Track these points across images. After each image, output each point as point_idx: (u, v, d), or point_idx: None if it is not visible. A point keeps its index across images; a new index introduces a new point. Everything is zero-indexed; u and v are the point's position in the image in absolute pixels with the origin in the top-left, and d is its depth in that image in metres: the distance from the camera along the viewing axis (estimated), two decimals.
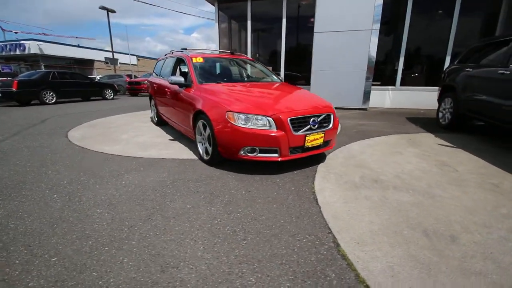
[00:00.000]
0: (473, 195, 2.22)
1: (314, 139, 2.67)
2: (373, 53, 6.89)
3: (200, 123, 3.02)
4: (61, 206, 2.05)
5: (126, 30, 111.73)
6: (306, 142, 2.62)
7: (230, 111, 2.58)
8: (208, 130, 2.84)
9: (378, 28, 6.72)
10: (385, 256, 1.46)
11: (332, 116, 2.86)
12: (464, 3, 6.76)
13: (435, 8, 7.26)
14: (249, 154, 2.57)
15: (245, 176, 2.64)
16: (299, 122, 2.59)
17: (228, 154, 2.69)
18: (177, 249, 1.54)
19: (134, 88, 14.54)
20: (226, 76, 3.88)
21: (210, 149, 2.87)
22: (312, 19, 7.62)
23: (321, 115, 2.74)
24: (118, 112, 7.33)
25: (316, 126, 2.68)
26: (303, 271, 1.36)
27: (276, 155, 2.56)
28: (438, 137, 4.23)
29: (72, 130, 4.89)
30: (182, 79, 3.40)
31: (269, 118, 2.50)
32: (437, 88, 5.47)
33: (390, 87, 7.77)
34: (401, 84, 7.70)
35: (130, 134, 4.49)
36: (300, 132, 2.57)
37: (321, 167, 2.89)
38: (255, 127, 2.50)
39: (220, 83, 3.41)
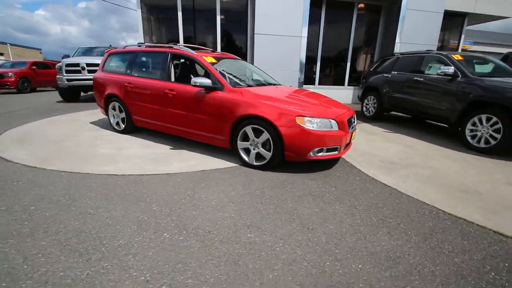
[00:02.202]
0: (454, 162, 3.39)
1: (353, 135, 3.21)
2: (303, 57, 8.08)
3: (248, 129, 2.94)
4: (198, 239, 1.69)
5: None
6: (351, 138, 3.12)
7: (300, 115, 2.73)
8: (265, 135, 2.85)
9: (306, 36, 7.91)
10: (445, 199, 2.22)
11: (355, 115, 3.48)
12: (359, 17, 8.91)
13: (339, 21, 9.15)
14: (317, 154, 2.82)
15: (307, 176, 2.88)
16: (349, 122, 3.05)
17: (296, 156, 2.82)
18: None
19: None
20: (245, 79, 3.76)
21: (267, 153, 2.89)
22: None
23: (354, 115, 3.31)
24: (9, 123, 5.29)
25: (355, 124, 3.23)
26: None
27: (336, 152, 2.94)
28: (375, 125, 5.66)
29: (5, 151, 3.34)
30: (209, 81, 3.11)
31: (332, 120, 2.83)
32: (342, 86, 7.17)
33: (311, 86, 9.25)
34: (319, 84, 9.34)
35: (109, 148, 3.57)
36: (350, 130, 3.04)
37: (344, 160, 3.46)
38: (324, 129, 2.77)
39: (251, 86, 3.36)
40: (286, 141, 2.75)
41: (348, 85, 9.45)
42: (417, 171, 3.09)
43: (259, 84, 3.71)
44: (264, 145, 2.93)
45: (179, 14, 8.00)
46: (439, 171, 3.12)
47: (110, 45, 9.50)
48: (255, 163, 3.01)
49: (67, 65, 7.43)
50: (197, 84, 3.08)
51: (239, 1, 8.35)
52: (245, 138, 3.05)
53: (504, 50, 17.40)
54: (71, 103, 7.80)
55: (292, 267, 1.49)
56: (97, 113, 6.00)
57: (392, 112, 6.67)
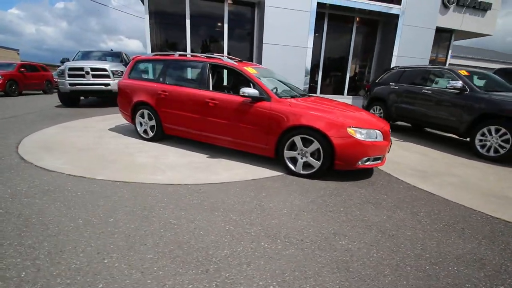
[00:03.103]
0: (472, 170, 3.68)
1: (390, 146, 3.40)
2: (308, 66, 8.36)
3: (297, 138, 3.04)
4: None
5: None
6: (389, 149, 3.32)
7: (351, 126, 2.88)
8: (315, 144, 2.96)
9: (312, 46, 8.21)
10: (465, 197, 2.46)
11: None
12: (358, 29, 9.36)
13: (340, 33, 9.56)
14: (365, 163, 2.98)
15: (354, 184, 3.02)
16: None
17: (345, 165, 2.96)
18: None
19: None
20: (283, 88, 3.84)
21: (316, 163, 3.00)
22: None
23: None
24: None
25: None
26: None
27: (379, 161, 3.11)
28: None
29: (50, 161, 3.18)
30: (257, 92, 3.19)
31: (378, 131, 3.01)
32: (341, 95, 7.54)
33: (313, 94, 9.54)
34: (320, 93, 9.65)
35: (145, 156, 3.52)
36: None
37: (376, 169, 3.65)
38: (372, 140, 2.94)
39: (296, 97, 3.47)
40: (338, 151, 2.88)
41: (347, 94, 9.85)
42: (447, 178, 3.34)
43: (295, 94, 3.83)
44: (312, 154, 3.04)
45: (187, 21, 8.00)
46: (464, 178, 3.38)
47: (112, 49, 9.28)
48: (302, 172, 3.11)
49: (70, 69, 7.16)
50: (246, 94, 3.15)
51: (246, 11, 8.52)
52: (291, 147, 3.15)
53: (474, 63, 18.89)
54: (73, 108, 7.49)
55: (400, 272, 1.60)
56: (109, 119, 5.85)
57: (398, 122, 7.04)
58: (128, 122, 4.74)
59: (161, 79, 4.02)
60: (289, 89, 4.04)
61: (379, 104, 6.76)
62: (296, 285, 1.45)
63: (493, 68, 8.24)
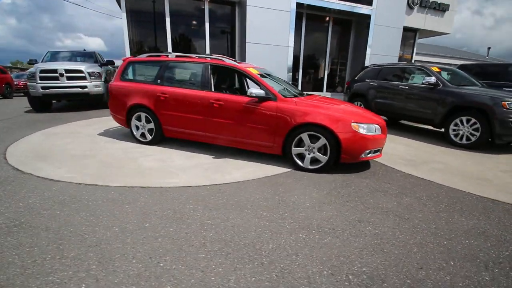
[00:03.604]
0: (451, 157, 4.14)
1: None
2: (290, 65, 8.60)
3: (304, 135, 3.21)
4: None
5: None
6: None
7: (355, 122, 3.11)
8: (322, 140, 3.15)
9: (293, 45, 8.46)
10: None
11: None
12: (333, 29, 9.80)
13: (317, 32, 9.93)
14: (367, 156, 3.23)
15: (358, 175, 3.28)
16: None
17: (350, 158, 3.18)
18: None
19: None
20: (285, 89, 3.95)
21: (323, 157, 3.19)
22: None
23: None
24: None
25: None
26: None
27: (378, 153, 3.40)
28: None
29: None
30: (264, 92, 3.30)
31: (377, 125, 3.28)
32: (321, 92, 7.92)
33: (311, 93, 9.84)
34: (301, 90, 9.96)
35: (151, 160, 3.46)
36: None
37: (375, 161, 3.96)
38: (373, 133, 3.20)
39: (298, 97, 3.62)
40: (344, 146, 3.09)
41: (326, 91, 10.29)
42: (433, 165, 3.73)
43: (294, 93, 3.98)
44: (319, 149, 3.23)
45: (167, 19, 7.81)
46: (447, 164, 3.81)
47: (84, 49, 8.75)
48: (309, 167, 3.28)
49: (42, 71, 6.65)
50: (253, 94, 3.24)
51: (227, 10, 8.51)
52: (298, 144, 3.31)
53: (434, 59, 20.66)
54: (47, 113, 6.97)
55: (426, 249, 1.83)
56: (93, 124, 5.58)
57: None
58: (117, 126, 4.58)
59: (158, 80, 3.94)
60: (287, 88, 4.19)
61: (360, 99, 7.20)
62: (346, 268, 1.61)
63: (451, 64, 9.17)
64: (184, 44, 8.41)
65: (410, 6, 10.03)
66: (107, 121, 6.02)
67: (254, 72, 3.57)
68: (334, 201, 2.52)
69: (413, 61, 11.33)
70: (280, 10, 8.13)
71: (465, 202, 2.62)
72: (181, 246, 1.76)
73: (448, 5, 10.51)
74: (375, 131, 3.26)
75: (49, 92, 6.76)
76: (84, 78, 7.05)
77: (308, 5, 8.67)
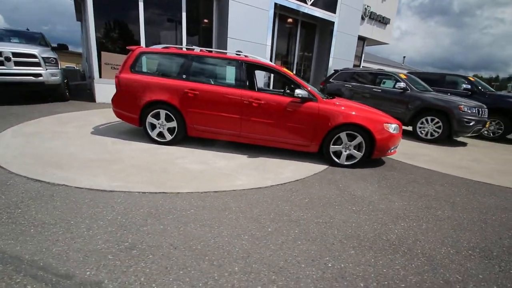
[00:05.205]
0: (427, 150, 5.07)
1: None
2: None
3: (343, 134, 3.51)
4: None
5: None
6: None
7: (386, 122, 3.55)
8: (358, 139, 3.50)
9: (270, 44, 8.69)
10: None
11: None
12: (301, 32, 10.39)
13: (288, 34, 10.35)
14: (391, 151, 3.73)
15: (383, 168, 3.76)
16: None
17: (380, 154, 3.62)
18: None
19: None
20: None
21: (358, 154, 3.55)
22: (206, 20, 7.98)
23: None
24: None
25: None
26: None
27: (396, 149, 3.94)
28: None
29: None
30: (307, 93, 3.44)
31: (397, 125, 3.80)
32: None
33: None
34: (273, 88, 10.29)
35: (193, 163, 3.22)
36: None
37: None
38: (396, 132, 3.71)
39: (335, 97, 3.86)
40: (378, 143, 3.51)
41: None
42: (423, 158, 4.50)
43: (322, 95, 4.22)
44: (354, 147, 3.57)
45: (140, 4, 7.03)
46: (430, 156, 4.66)
47: (28, 29, 7.14)
48: (345, 163, 3.60)
49: None
50: (300, 95, 3.36)
51: (205, 3, 8.14)
52: (334, 142, 3.58)
53: (374, 66, 23.84)
54: None
55: (480, 225, 2.33)
56: (68, 121, 4.75)
57: None
58: (102, 123, 4.04)
59: (184, 75, 3.65)
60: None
61: None
62: (465, 243, 1.95)
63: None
64: (158, 35, 7.69)
65: (362, 17, 11.38)
66: (81, 116, 5.22)
67: (291, 73, 3.67)
68: (391, 193, 2.88)
69: (361, 66, 12.93)
70: (260, 8, 8.21)
71: (470, 185, 3.34)
72: (326, 245, 1.82)
73: (390, 19, 12.33)
74: (394, 130, 3.77)
75: None
76: (38, 64, 5.82)
77: (281, 5, 8.97)
